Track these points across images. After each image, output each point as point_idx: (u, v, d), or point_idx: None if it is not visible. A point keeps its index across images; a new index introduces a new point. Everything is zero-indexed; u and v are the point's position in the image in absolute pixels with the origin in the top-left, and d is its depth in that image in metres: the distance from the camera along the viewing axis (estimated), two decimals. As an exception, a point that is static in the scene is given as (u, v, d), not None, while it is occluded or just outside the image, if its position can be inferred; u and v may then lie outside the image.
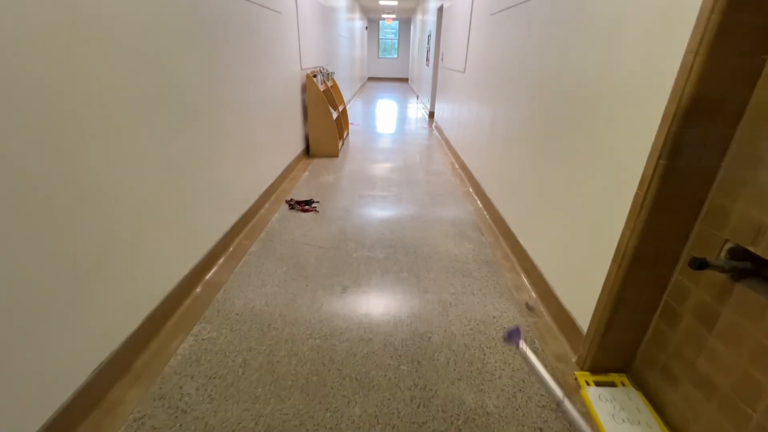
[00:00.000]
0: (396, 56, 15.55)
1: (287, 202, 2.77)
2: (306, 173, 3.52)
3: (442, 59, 5.31)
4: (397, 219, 2.54)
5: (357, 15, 10.23)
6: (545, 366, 0.32)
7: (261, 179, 2.71)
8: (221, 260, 2.01)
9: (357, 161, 3.94)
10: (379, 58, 15.60)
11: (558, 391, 0.23)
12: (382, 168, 3.71)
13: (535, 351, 1.46)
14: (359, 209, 2.70)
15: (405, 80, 15.19)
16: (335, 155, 4.08)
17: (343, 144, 4.58)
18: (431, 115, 6.63)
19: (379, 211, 2.67)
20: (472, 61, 3.41)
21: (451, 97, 4.47)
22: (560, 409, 0.22)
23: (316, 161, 3.90)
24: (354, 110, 7.49)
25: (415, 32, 10.84)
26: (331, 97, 4.35)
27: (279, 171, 3.15)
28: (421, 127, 5.92)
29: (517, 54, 2.19)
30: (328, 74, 4.54)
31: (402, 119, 6.64)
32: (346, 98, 7.91)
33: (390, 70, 15.68)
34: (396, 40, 15.36)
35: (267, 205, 2.73)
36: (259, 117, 2.69)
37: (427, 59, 7.34)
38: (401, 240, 2.27)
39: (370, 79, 15.60)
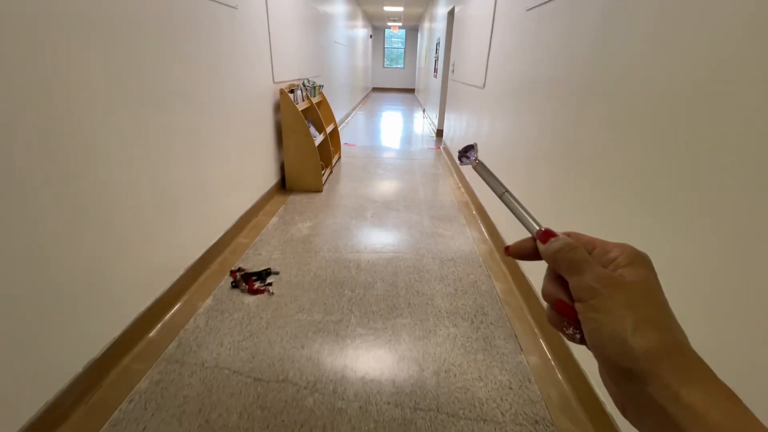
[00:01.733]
0: (402, 66, 14.84)
1: (232, 273, 1.94)
2: (275, 219, 2.68)
3: (452, 71, 4.50)
4: (390, 309, 1.69)
5: (360, 22, 9.51)
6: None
7: (192, 243, 1.87)
8: None
9: (344, 199, 3.11)
10: (384, 67, 14.90)
11: (502, 186, 0.27)
12: (375, 210, 2.86)
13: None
14: (336, 290, 1.85)
15: (411, 91, 14.45)
16: (318, 189, 3.25)
17: (330, 173, 3.76)
18: (439, 133, 5.81)
19: (364, 291, 1.82)
20: (495, 74, 2.58)
21: (465, 116, 3.64)
22: (502, 199, 0.27)
23: (292, 198, 3.07)
24: (353, 125, 6.69)
25: (422, 40, 10.09)
26: (317, 116, 3.54)
27: (234, 219, 2.32)
28: (427, 149, 5.08)
29: (582, 59, 1.35)
30: (314, 88, 3.74)
31: (406, 137, 5.82)
32: (344, 111, 7.14)
33: (396, 80, 14.97)
34: (402, 49, 14.66)
35: (197, 284, 1.89)
36: (205, 149, 1.88)
37: (435, 70, 6.55)
38: (406, 380, 1.41)
39: (375, 89, 14.89)
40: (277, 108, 3.01)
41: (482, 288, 1.92)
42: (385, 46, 14.67)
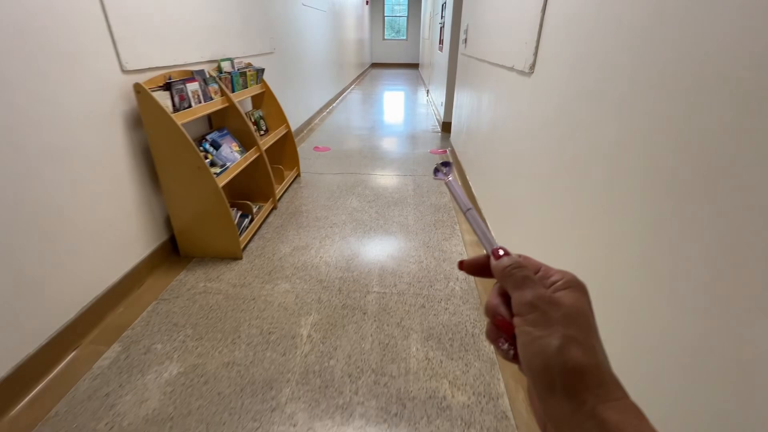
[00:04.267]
0: (405, 37, 13.05)
1: None
2: (115, 348, 1.36)
3: (463, 43, 3.01)
4: None
5: (350, -17, 7.84)
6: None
7: None
8: None
9: (283, 280, 1.76)
10: (384, 40, 13.14)
11: (467, 203, 0.30)
12: (333, 319, 1.52)
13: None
14: None
15: (415, 66, 12.74)
16: (234, 256, 1.90)
17: (272, 209, 2.39)
18: (446, 127, 4.35)
19: None
20: (561, 51, 1.16)
21: (488, 114, 2.21)
22: (467, 215, 0.30)
23: (183, 280, 1.74)
24: (336, 116, 5.24)
25: (426, 3, 8.38)
26: (241, 124, 2.15)
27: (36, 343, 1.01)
28: (428, 156, 3.64)
29: None
30: (247, 74, 2.32)
31: (401, 134, 4.37)
32: (325, 99, 5.68)
33: (398, 54, 13.23)
34: (405, 17, 12.84)
35: None
36: None
37: (441, 41, 5.00)
38: None
39: (375, 65, 13.19)
40: (140, 120, 1.63)
41: None
42: (386, 14, 12.85)
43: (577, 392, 0.21)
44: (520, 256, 0.27)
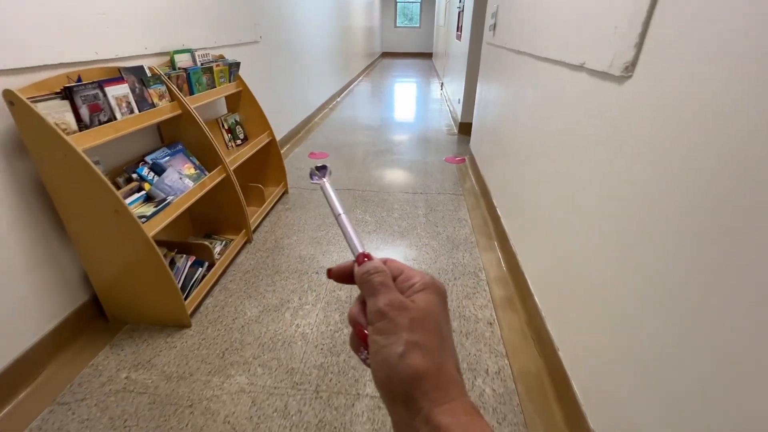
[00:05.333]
0: (419, 25, 12.32)
1: None
2: None
3: (492, 30, 2.41)
4: None
5: (359, -35, 7.20)
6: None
7: None
8: None
9: (236, 355, 1.25)
10: (396, 27, 12.43)
11: (339, 208, 0.31)
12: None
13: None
14: None
15: (429, 56, 12.03)
16: (179, 323, 1.40)
17: (245, 243, 1.88)
18: (464, 129, 3.77)
19: None
20: (697, 36, 0.59)
21: (532, 129, 1.65)
22: (338, 220, 0.30)
23: (103, 363, 1.24)
24: (343, 111, 4.69)
25: (442, -12, 7.69)
26: (199, 137, 1.63)
27: None
28: (442, 166, 3.08)
29: None
30: (213, 69, 1.79)
31: (412, 134, 3.79)
32: (332, 91, 5.13)
33: (410, 43, 12.52)
34: (419, 3, 12.09)
35: None
36: None
37: (459, 29, 4.38)
38: None
39: (386, 54, 12.52)
40: (23, 145, 1.11)
41: None
42: (398, 0, 12.11)
43: (413, 399, 0.21)
44: (384, 261, 0.27)
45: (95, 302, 1.38)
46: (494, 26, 2.33)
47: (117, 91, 1.28)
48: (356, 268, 0.27)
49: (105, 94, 1.23)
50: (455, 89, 4.43)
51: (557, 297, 1.21)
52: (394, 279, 0.26)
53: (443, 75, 6.46)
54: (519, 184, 1.68)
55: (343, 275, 0.28)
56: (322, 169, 0.35)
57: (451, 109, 4.70)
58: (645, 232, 0.77)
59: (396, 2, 12.08)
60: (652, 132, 0.76)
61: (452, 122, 4.30)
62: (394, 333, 0.22)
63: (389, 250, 1.87)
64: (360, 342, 0.25)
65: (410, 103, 5.60)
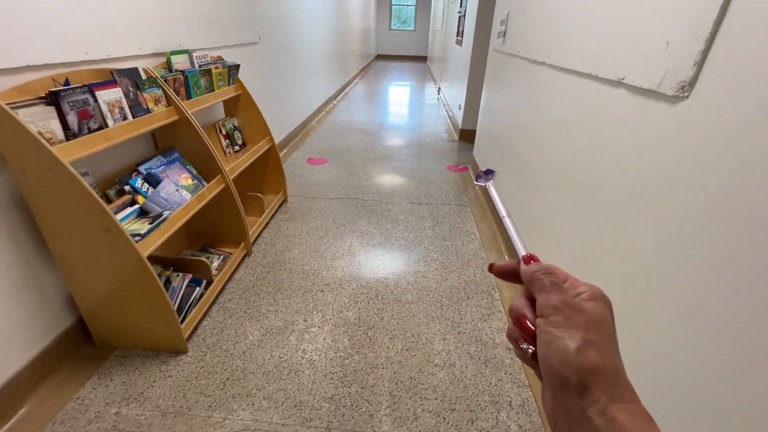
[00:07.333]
0: (413, 28, 12.29)
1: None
2: None
3: (501, 37, 2.35)
4: None
5: (356, -34, 7.11)
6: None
7: None
8: None
9: (238, 386, 1.15)
10: (391, 30, 12.37)
11: (503, 211, 0.31)
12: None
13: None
14: None
15: (423, 59, 12.00)
16: (174, 348, 1.29)
17: (244, 256, 1.77)
18: (465, 136, 3.70)
19: None
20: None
21: (558, 150, 1.58)
22: (503, 222, 0.31)
23: (90, 396, 1.13)
24: (339, 114, 4.58)
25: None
26: (197, 145, 1.51)
27: None
28: (445, 175, 3.00)
29: None
30: (212, 72, 1.68)
31: (411, 140, 3.70)
32: (329, 93, 5.03)
33: (405, 46, 12.48)
34: (414, 6, 12.06)
35: None
36: None
37: (459, 34, 4.32)
38: None
39: (380, 57, 12.46)
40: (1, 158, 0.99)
41: None
42: (393, 2, 12.06)
43: (590, 390, 0.21)
44: (549, 266, 0.27)
45: (81, 325, 1.26)
46: (504, 33, 2.26)
47: (109, 96, 1.16)
48: (524, 267, 0.28)
49: (96, 99, 1.11)
50: (455, 95, 4.36)
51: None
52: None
53: (440, 79, 6.40)
54: (536, 202, 1.60)
55: (506, 272, 0.29)
56: (489, 173, 0.35)
57: (450, 114, 4.64)
58: (691, 281, 0.69)
59: (391, 4, 12.03)
60: (711, 162, 0.68)
61: (452, 128, 4.23)
62: (570, 328, 0.23)
63: (401, 267, 1.78)
64: (522, 333, 0.26)
65: (407, 107, 5.52)
